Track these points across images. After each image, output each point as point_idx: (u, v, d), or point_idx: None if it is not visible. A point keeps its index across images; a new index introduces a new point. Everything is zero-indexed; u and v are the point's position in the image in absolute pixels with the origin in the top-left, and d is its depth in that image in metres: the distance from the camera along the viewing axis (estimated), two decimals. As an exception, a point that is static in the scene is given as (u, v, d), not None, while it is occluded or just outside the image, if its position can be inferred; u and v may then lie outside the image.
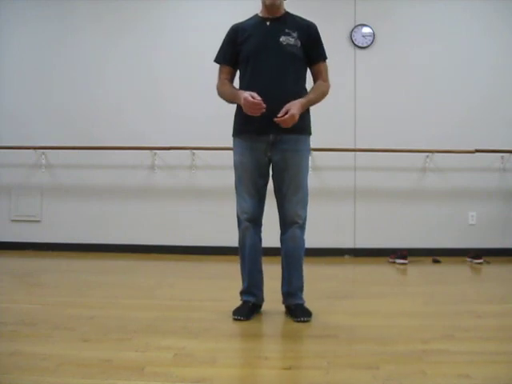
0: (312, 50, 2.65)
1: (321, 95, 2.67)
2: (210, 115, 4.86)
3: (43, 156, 5.11)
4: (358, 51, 5.03)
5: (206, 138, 4.90)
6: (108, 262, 4.61)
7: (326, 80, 2.71)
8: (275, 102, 2.50)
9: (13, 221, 5.15)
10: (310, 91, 2.65)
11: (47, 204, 5.13)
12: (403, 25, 5.07)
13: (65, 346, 2.12)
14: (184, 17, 5.13)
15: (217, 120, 4.87)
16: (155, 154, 5.04)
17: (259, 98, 2.46)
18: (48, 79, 5.16)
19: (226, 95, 2.69)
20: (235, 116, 2.73)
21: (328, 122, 4.88)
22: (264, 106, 2.45)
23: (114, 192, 5.09)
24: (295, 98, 2.57)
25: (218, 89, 2.73)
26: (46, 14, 5.22)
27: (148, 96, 5.08)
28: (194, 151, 5.01)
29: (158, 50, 5.12)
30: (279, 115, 2.47)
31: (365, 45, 5.02)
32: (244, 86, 2.62)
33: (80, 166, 5.11)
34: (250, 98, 2.45)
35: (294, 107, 2.49)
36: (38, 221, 5.13)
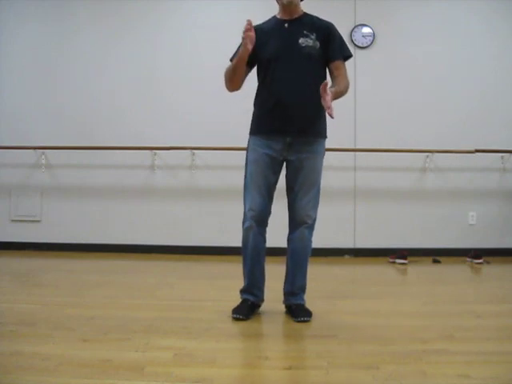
0: (329, 48, 2.62)
1: (345, 89, 2.62)
2: (210, 115, 4.87)
3: (43, 156, 5.11)
4: (358, 51, 5.02)
5: (206, 138, 4.90)
6: (108, 261, 4.61)
7: (345, 76, 2.66)
8: (296, 104, 2.54)
9: (13, 221, 5.15)
10: (335, 85, 2.56)
11: (47, 204, 5.13)
12: (403, 25, 5.07)
13: (65, 346, 2.12)
14: (184, 17, 5.13)
15: (217, 120, 4.89)
16: (155, 154, 5.04)
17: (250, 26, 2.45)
18: (48, 79, 5.16)
19: (231, 68, 2.63)
20: (253, 115, 2.72)
21: (328, 121, 4.87)
22: (249, 28, 2.43)
23: (114, 192, 5.09)
24: (316, 100, 2.55)
25: (224, 77, 2.68)
26: (46, 14, 5.22)
27: (148, 96, 5.08)
28: (194, 151, 5.01)
29: (158, 50, 5.13)
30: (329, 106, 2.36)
31: (365, 45, 5.02)
32: (265, 90, 2.63)
33: (80, 165, 5.11)
34: (247, 33, 2.44)
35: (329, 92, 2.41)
36: (38, 221, 5.13)
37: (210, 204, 5.00)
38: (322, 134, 2.69)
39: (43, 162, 5.11)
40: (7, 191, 5.16)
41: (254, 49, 2.60)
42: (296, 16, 2.65)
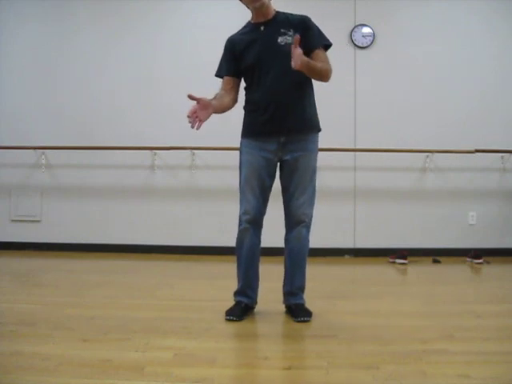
0: (307, 39, 2.58)
1: (324, 70, 2.56)
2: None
3: (43, 156, 5.11)
4: (358, 51, 5.03)
5: (206, 138, 4.89)
6: (108, 261, 4.61)
7: (327, 63, 2.59)
8: (285, 103, 2.54)
9: (13, 221, 5.15)
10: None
11: (47, 204, 5.13)
12: (403, 25, 5.07)
13: (65, 346, 2.12)
14: (184, 17, 5.13)
15: (217, 120, 4.87)
16: (155, 154, 5.04)
17: (195, 109, 2.49)
18: (48, 79, 5.17)
19: None
20: (245, 118, 2.73)
21: (328, 121, 4.85)
22: (189, 121, 2.50)
23: (114, 192, 5.09)
24: (302, 99, 2.58)
25: None
26: (46, 14, 5.22)
27: (148, 96, 5.08)
28: (194, 151, 5.01)
29: (158, 50, 5.13)
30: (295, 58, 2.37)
31: (365, 45, 5.02)
32: (252, 95, 2.64)
33: (80, 165, 5.11)
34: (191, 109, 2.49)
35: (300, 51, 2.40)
36: (38, 221, 5.13)
37: (209, 204, 5.00)
38: (314, 128, 2.68)
39: (43, 162, 5.11)
40: (7, 191, 5.16)
41: (236, 59, 2.65)
42: (270, 17, 2.64)
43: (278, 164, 2.67)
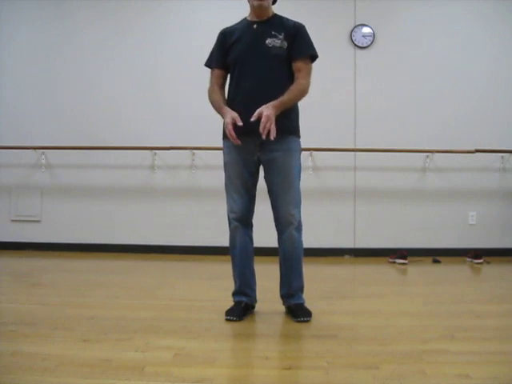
0: (293, 47, 2.58)
1: (295, 96, 2.54)
2: (210, 115, 4.84)
3: (43, 156, 5.11)
4: (358, 51, 5.03)
5: (206, 138, 4.89)
6: (108, 262, 4.61)
7: (303, 78, 2.57)
8: (261, 105, 2.45)
9: (13, 221, 5.15)
10: (285, 92, 2.51)
11: (47, 204, 5.13)
12: (403, 25, 5.07)
13: (65, 346, 2.12)
14: (184, 17, 5.14)
15: (217, 120, 4.87)
16: (155, 154, 5.04)
17: (240, 122, 2.43)
18: (48, 79, 5.17)
19: (214, 105, 2.65)
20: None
21: (328, 121, 4.89)
22: (237, 141, 2.44)
23: (114, 192, 5.09)
24: None
25: (208, 93, 2.71)
26: (47, 14, 5.22)
27: (148, 96, 5.09)
28: (194, 151, 5.01)
29: (158, 51, 5.13)
30: (252, 119, 2.38)
31: (365, 45, 5.02)
32: (231, 91, 2.63)
33: (80, 165, 5.11)
34: (230, 127, 2.44)
35: (266, 109, 2.40)
36: (38, 221, 5.13)
37: (210, 204, 4.99)
38: (293, 131, 2.63)
39: (43, 161, 5.11)
40: (7, 191, 5.16)
41: (225, 52, 2.64)
42: (266, 18, 2.63)
43: (260, 163, 2.64)
